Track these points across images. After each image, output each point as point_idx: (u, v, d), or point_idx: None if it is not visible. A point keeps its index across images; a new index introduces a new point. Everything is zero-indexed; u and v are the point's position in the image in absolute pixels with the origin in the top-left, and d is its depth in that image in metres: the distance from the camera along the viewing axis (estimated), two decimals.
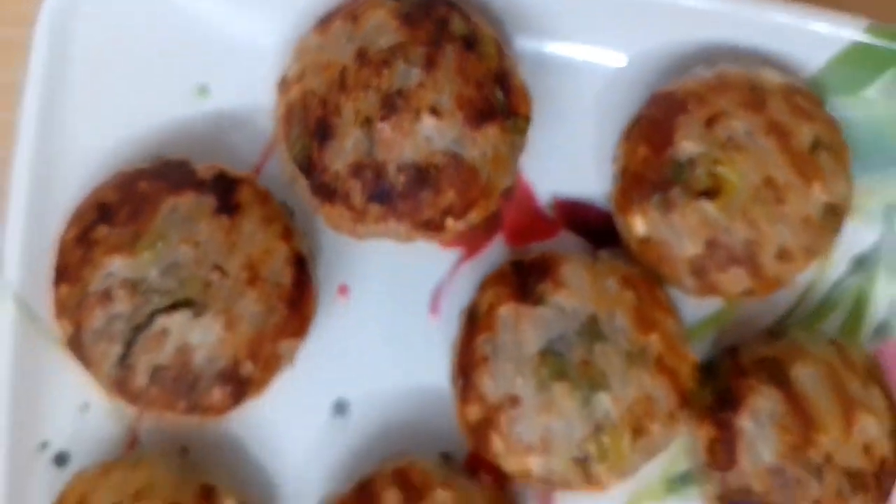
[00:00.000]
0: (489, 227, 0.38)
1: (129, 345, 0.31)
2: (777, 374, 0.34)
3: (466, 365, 0.33)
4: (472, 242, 0.38)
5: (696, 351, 0.36)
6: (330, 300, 0.37)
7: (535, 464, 0.33)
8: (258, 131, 0.36)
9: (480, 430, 0.33)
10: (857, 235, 0.39)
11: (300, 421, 0.37)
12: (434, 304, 0.37)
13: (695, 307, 0.38)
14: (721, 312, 0.38)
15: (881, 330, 0.39)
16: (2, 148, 0.35)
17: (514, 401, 0.32)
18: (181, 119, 0.35)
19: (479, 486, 0.34)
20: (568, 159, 0.37)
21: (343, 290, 0.37)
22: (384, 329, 0.37)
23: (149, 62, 0.35)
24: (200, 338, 0.31)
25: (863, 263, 0.39)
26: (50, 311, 0.35)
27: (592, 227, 0.37)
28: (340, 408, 0.37)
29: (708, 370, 0.36)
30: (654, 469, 0.39)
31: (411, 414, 0.38)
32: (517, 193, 0.37)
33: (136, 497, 0.33)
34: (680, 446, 0.38)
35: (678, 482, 0.39)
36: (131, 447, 0.36)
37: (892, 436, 0.35)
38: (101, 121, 0.35)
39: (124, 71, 0.35)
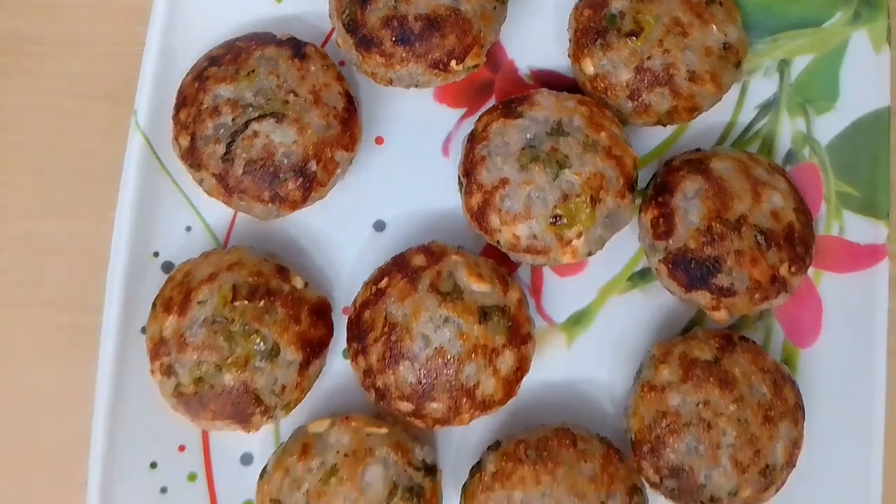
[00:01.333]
0: (484, 92, 0.50)
1: (229, 145, 0.43)
2: (700, 166, 0.46)
3: (469, 168, 0.45)
4: (472, 103, 0.50)
5: (642, 177, 0.48)
6: (370, 147, 0.50)
7: (521, 230, 0.44)
8: (317, 28, 0.50)
9: (481, 213, 0.45)
10: (760, 87, 0.51)
11: (349, 236, 0.49)
12: (445, 148, 0.50)
13: (640, 143, 0.50)
14: (660, 146, 0.50)
15: (789, 158, 0.50)
16: (136, 45, 0.49)
17: (503, 182, 0.44)
18: (263, 19, 0.50)
19: (483, 259, 0.45)
20: (541, 40, 0.51)
21: (379, 140, 0.50)
22: (409, 167, 0.50)
23: None
24: (280, 138, 0.43)
25: (768, 108, 0.50)
26: (168, 150, 0.48)
27: (558, 87, 0.50)
28: (379, 226, 0.49)
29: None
30: (618, 268, 0.50)
31: (432, 229, 0.50)
32: (503, 67, 0.50)
33: (228, 268, 0.45)
34: (636, 250, 0.49)
35: (637, 277, 0.50)
36: None
37: (796, 211, 0.45)
38: (208, 19, 0.49)
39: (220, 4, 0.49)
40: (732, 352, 0.44)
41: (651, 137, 0.50)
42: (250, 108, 0.44)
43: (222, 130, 0.44)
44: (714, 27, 0.46)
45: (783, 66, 0.50)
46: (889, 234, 0.48)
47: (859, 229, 0.49)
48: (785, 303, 0.47)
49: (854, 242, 0.49)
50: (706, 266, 0.44)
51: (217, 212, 0.49)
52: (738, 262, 0.44)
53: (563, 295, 0.49)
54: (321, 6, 0.49)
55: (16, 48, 0.53)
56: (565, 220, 0.44)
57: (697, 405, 0.43)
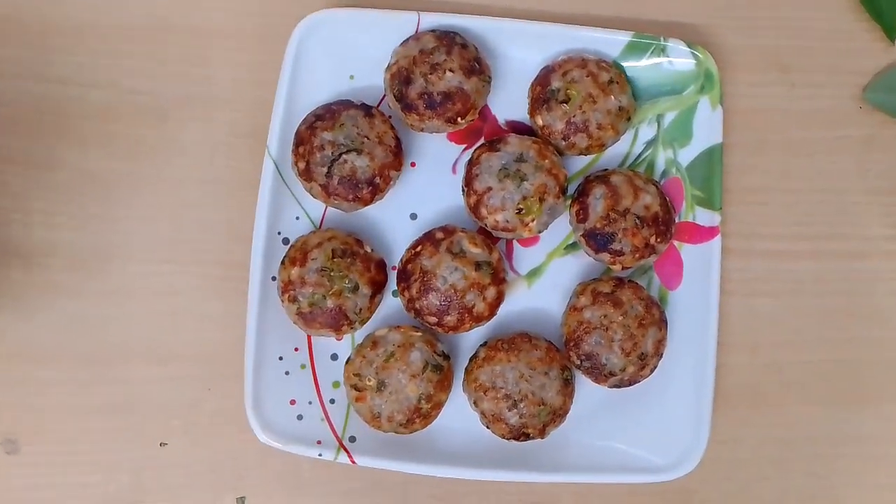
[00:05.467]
0: (477, 135, 0.80)
1: (330, 168, 0.73)
2: (603, 179, 0.75)
3: (468, 180, 0.75)
4: (469, 141, 0.80)
5: (571, 188, 0.78)
6: (408, 169, 0.79)
7: (500, 217, 0.73)
8: (376, 93, 0.79)
9: (476, 206, 0.74)
10: (646, 131, 0.79)
11: (396, 223, 0.77)
12: (454, 168, 0.79)
13: (571, 167, 0.80)
14: (583, 168, 0.80)
15: (663, 174, 0.79)
16: (267, 104, 0.79)
17: (489, 188, 0.74)
18: (345, 90, 0.78)
19: (477, 234, 0.75)
20: (512, 103, 0.79)
21: (414, 164, 0.79)
22: (432, 181, 0.78)
23: (331, 65, 0.79)
24: (359, 164, 0.73)
25: (650, 144, 0.80)
26: (289, 168, 0.77)
27: (523, 131, 0.80)
28: (414, 216, 0.79)
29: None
30: (558, 241, 0.79)
31: (446, 218, 0.78)
32: (489, 120, 0.80)
33: (328, 239, 0.74)
34: (568, 231, 0.79)
35: (570, 248, 0.79)
36: None
37: (661, 205, 0.75)
38: (312, 90, 0.78)
39: (321, 67, 0.79)
40: (622, 287, 0.74)
41: (579, 163, 0.80)
42: (341, 146, 0.73)
43: (325, 159, 0.73)
44: (612, 97, 0.75)
45: (659, 118, 0.79)
46: (721, 220, 0.78)
47: (704, 217, 0.75)
48: (657, 261, 0.77)
49: (701, 225, 0.76)
50: (606, 238, 0.74)
51: (315, 208, 0.78)
52: (625, 235, 0.73)
53: (525, 258, 0.77)
54: (377, 81, 0.79)
55: (193, 104, 0.78)
56: (524, 211, 0.74)
57: (600, 317, 0.73)
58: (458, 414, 0.73)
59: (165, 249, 0.78)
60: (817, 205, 0.81)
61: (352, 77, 0.79)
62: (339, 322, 0.72)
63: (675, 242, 0.77)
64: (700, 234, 0.77)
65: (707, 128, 0.77)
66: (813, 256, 0.80)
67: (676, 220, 0.76)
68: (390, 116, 0.77)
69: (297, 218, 0.78)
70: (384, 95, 0.79)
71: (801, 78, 0.82)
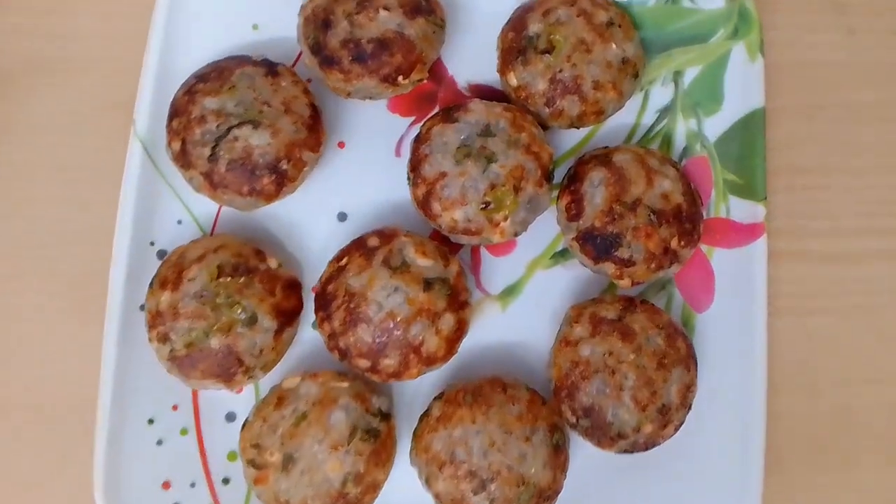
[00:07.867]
0: (429, 102, 0.60)
1: (214, 148, 0.52)
2: (604, 159, 0.55)
3: (415, 164, 0.55)
4: (419, 112, 0.60)
5: (559, 174, 0.57)
6: (334, 151, 0.59)
7: (458, 215, 0.53)
8: (290, 49, 0.59)
9: (425, 201, 0.54)
10: (659, 94, 0.61)
11: (317, 226, 0.59)
12: (398, 150, 0.60)
13: (560, 144, 0.60)
14: (577, 146, 0.60)
15: (684, 152, 0.60)
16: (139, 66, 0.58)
17: (442, 175, 0.53)
18: (244, 44, 0.59)
19: (427, 239, 0.54)
20: (476, 58, 0.60)
21: (341, 144, 0.60)
22: (367, 167, 0.59)
23: (224, 10, 0.59)
24: (257, 141, 0.52)
25: (666, 112, 0.60)
26: (163, 155, 0.56)
27: (490, 97, 0.59)
28: (342, 217, 0.59)
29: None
30: (542, 247, 0.60)
31: (388, 220, 0.59)
32: (445, 81, 0.60)
33: (214, 250, 0.53)
34: (557, 233, 0.58)
35: (559, 255, 0.60)
36: None
37: (684, 194, 0.55)
38: (196, 45, 0.58)
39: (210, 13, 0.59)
40: (633, 311, 0.54)
41: (569, 139, 0.60)
42: (231, 117, 0.53)
43: (208, 135, 0.53)
44: (613, 45, 0.55)
45: (677, 76, 0.60)
46: (766, 214, 0.58)
47: (742, 210, 0.59)
48: (678, 272, 0.57)
49: (738, 221, 0.58)
50: (609, 240, 0.54)
51: (204, 207, 0.58)
52: (635, 236, 0.53)
53: (497, 271, 0.59)
54: (292, 32, 0.59)
55: (46, 67, 0.63)
56: (493, 206, 0.53)
57: (603, 355, 0.52)
58: (404, 498, 0.55)
59: (4, 260, 0.61)
60: (889, 189, 0.65)
61: (255, 27, 0.60)
62: (230, 369, 0.51)
63: (704, 246, 0.59)
64: (737, 233, 0.58)
65: (742, 87, 0.60)
66: (886, 258, 0.63)
67: (704, 216, 0.57)
68: (309, 80, 0.57)
69: (180, 222, 0.58)
70: (301, 52, 0.58)
71: (861, 22, 0.66)
